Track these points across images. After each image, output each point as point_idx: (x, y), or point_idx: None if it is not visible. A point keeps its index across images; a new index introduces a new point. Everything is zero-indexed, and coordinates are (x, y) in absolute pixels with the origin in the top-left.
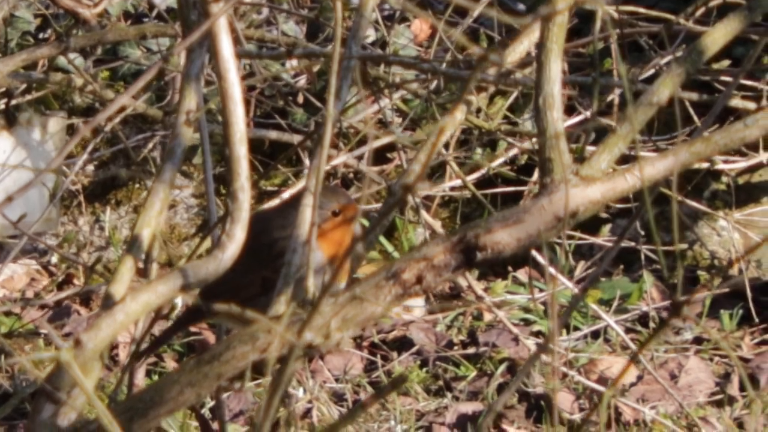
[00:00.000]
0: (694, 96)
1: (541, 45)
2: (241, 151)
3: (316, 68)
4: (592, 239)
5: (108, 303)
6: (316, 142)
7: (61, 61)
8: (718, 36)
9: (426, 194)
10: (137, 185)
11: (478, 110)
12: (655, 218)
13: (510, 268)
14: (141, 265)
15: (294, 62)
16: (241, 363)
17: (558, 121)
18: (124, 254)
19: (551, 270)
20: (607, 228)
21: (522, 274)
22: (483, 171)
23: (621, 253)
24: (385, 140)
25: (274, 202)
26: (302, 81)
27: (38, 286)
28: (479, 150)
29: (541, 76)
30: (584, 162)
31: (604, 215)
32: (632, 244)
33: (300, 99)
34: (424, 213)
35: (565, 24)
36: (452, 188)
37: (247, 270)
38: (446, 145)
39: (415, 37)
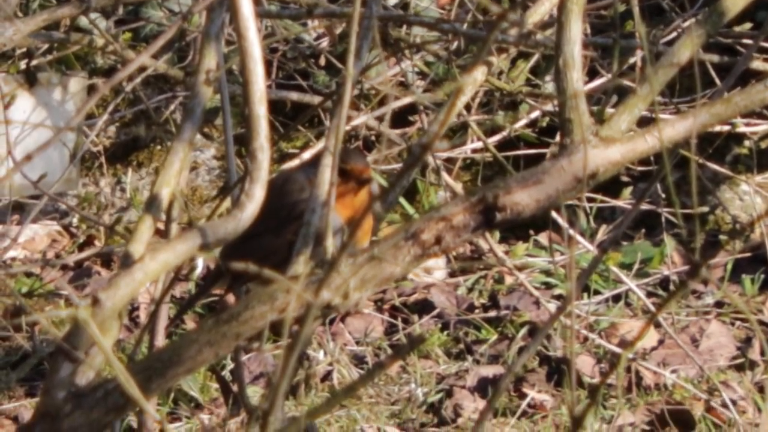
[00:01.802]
0: (715, 58)
1: (561, 6)
2: (260, 110)
3: (338, 30)
4: (613, 202)
5: (127, 262)
6: (335, 102)
7: (83, 21)
8: None
9: (447, 156)
10: (158, 146)
11: (500, 72)
12: (677, 182)
13: (531, 232)
14: (161, 224)
15: (315, 23)
16: (260, 323)
17: (578, 81)
18: (143, 213)
19: (571, 232)
20: (628, 191)
21: (543, 238)
22: (504, 133)
23: (643, 217)
24: (405, 101)
25: (294, 163)
26: (324, 43)
27: (59, 247)
28: (501, 112)
29: (562, 37)
30: (604, 123)
31: (625, 178)
32: (653, 207)
33: (322, 61)
34: (444, 175)
35: None
36: (473, 150)
37: (269, 232)
38: (468, 107)
39: (440, 1)
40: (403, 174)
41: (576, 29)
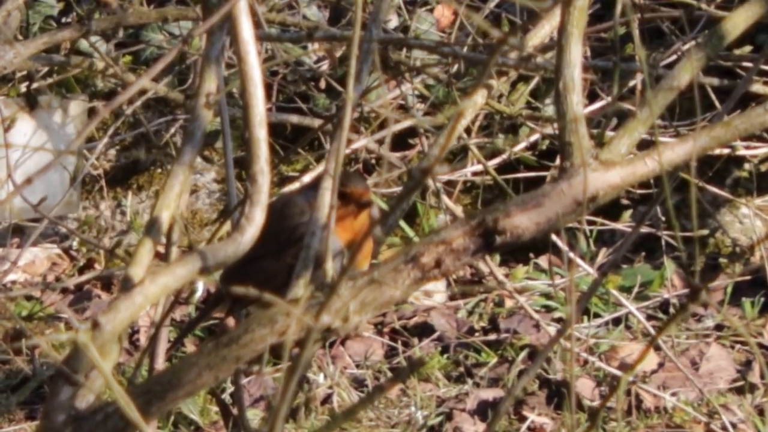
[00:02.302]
0: (715, 81)
1: (561, 29)
2: (260, 134)
3: (338, 53)
4: (613, 225)
5: (127, 285)
6: (335, 125)
7: (84, 44)
8: (738, 21)
9: (447, 179)
10: (159, 170)
11: (500, 95)
12: (677, 205)
13: (531, 255)
14: (161, 248)
15: (316, 46)
16: (260, 346)
17: (578, 105)
18: (143, 237)
19: (571, 255)
20: (628, 214)
21: (543, 261)
22: (504, 156)
23: (643, 240)
24: (406, 124)
25: (294, 187)
26: (324, 66)
27: (59, 270)
28: (501, 135)
29: (562, 60)
30: (604, 146)
31: (625, 201)
32: (653, 230)
33: (322, 84)
34: (444, 198)
35: (585, 8)
36: (474, 173)
37: (270, 256)
38: (468, 130)
39: (438, 22)
40: (404, 197)
41: (576, 52)
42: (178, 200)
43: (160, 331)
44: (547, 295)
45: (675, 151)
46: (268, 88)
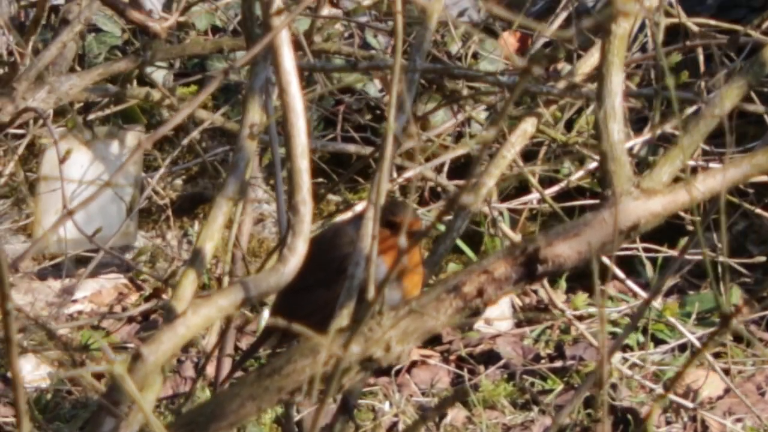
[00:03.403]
0: (761, 108)
1: (602, 58)
2: (302, 164)
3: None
4: (668, 252)
5: (169, 316)
6: (378, 155)
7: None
8: None
9: (515, 207)
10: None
11: (556, 122)
12: (743, 231)
13: (598, 281)
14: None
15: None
16: (302, 377)
17: (619, 133)
18: (186, 268)
19: (631, 284)
20: (683, 241)
21: (610, 288)
22: (563, 184)
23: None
24: (459, 152)
25: (347, 216)
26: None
27: (126, 300)
28: (567, 163)
29: (603, 88)
30: (645, 174)
31: (690, 227)
32: (715, 256)
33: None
34: (502, 225)
35: (625, 37)
36: (538, 201)
37: (320, 285)
38: (531, 157)
39: (503, 49)
40: (451, 228)
41: (617, 81)
42: (221, 231)
43: (209, 361)
44: (613, 323)
45: (717, 178)
46: (332, 117)
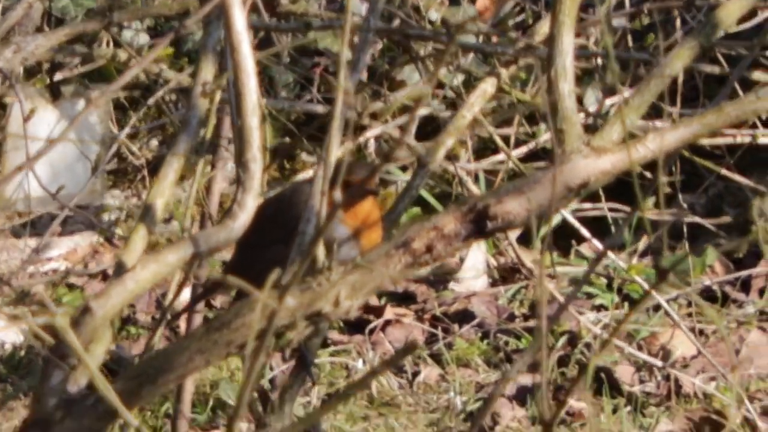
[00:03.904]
0: (716, 69)
1: (554, 18)
2: (252, 121)
3: (379, 46)
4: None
5: (119, 271)
6: (329, 116)
7: (125, 35)
8: (733, 9)
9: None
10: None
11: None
12: (720, 193)
13: (573, 242)
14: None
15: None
16: (250, 331)
17: (570, 93)
18: (136, 224)
19: (597, 243)
20: (650, 202)
21: (585, 249)
22: (531, 145)
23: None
24: (422, 112)
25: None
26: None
27: (102, 259)
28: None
29: (554, 48)
30: (596, 133)
31: (667, 189)
32: (696, 218)
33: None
34: (469, 185)
35: None
36: (501, 162)
37: (277, 243)
38: (507, 121)
39: (480, 14)
40: (410, 186)
41: (568, 41)
42: (172, 188)
43: (166, 315)
44: (590, 283)
45: (666, 138)
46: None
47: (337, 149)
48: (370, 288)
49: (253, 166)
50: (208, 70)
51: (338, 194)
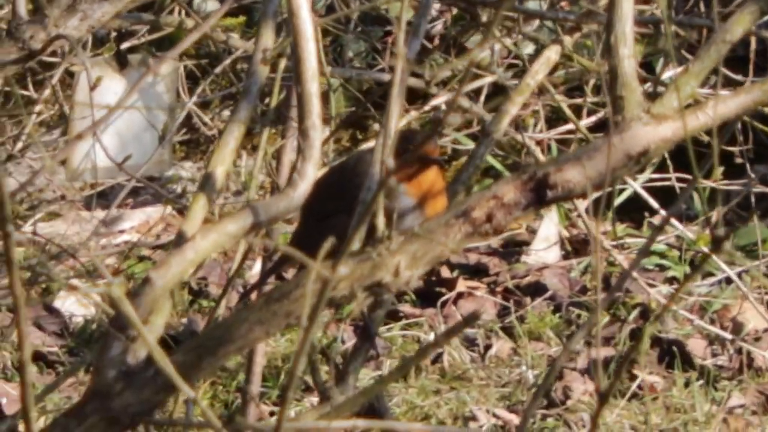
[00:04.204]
0: None
1: None
2: (312, 88)
3: (450, 14)
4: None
5: (180, 241)
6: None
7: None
8: None
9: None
10: (273, 131)
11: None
12: None
13: (646, 214)
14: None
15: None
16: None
17: (629, 58)
18: (196, 192)
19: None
20: (720, 171)
21: (657, 220)
22: (600, 114)
23: (759, 199)
24: (487, 80)
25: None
26: (439, 26)
27: (174, 230)
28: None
29: (613, 14)
30: (656, 100)
31: (739, 160)
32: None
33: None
34: (537, 153)
35: None
36: (570, 132)
37: (342, 212)
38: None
39: None
40: (474, 155)
41: (628, 6)
42: (232, 156)
43: (230, 286)
44: (661, 254)
45: (727, 104)
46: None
47: (398, 117)
48: (430, 258)
49: (313, 133)
50: (268, 36)
51: (390, 161)
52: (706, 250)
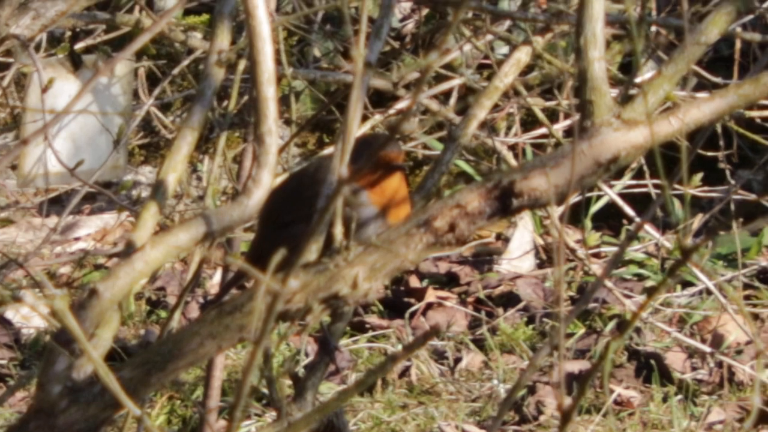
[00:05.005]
0: (757, 37)
1: None
2: (269, 92)
3: (424, 12)
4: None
5: (129, 251)
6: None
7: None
8: None
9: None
10: (236, 134)
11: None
12: None
13: (625, 222)
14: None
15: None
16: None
17: (599, 61)
18: (147, 200)
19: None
20: (698, 178)
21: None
22: (575, 119)
23: (741, 206)
24: (456, 82)
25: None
26: (410, 24)
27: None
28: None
29: (583, 14)
30: (626, 104)
31: (722, 165)
32: (752, 196)
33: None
34: (510, 159)
35: None
36: (542, 136)
37: (302, 221)
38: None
39: None
40: (440, 161)
41: (599, 7)
42: (186, 162)
43: (183, 298)
44: (639, 263)
45: (702, 109)
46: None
47: (358, 122)
48: (390, 269)
49: (268, 139)
50: (223, 37)
51: (345, 169)
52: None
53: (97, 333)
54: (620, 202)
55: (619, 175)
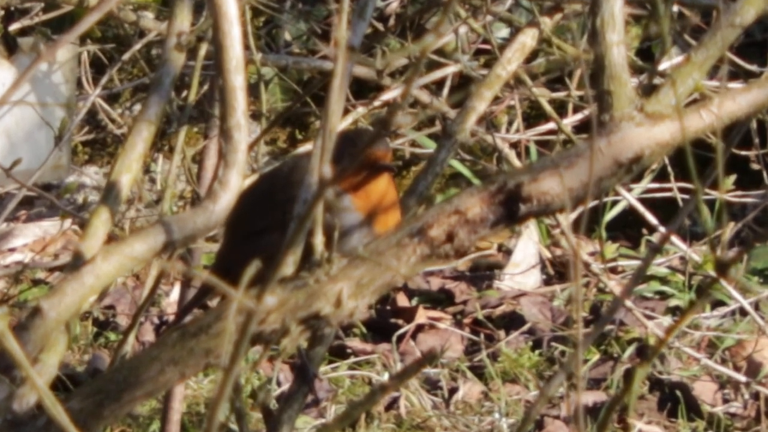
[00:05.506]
0: None
1: None
2: (236, 80)
3: None
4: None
5: (77, 263)
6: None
7: None
8: None
9: (535, 138)
10: (195, 129)
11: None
12: None
13: (645, 231)
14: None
15: None
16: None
17: (619, 45)
18: (98, 205)
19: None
20: (731, 181)
21: (656, 238)
22: (587, 112)
23: None
24: (451, 70)
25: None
26: (395, 4)
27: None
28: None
29: None
30: (650, 96)
31: (756, 166)
32: None
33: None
34: (511, 157)
35: None
36: (550, 131)
37: (276, 228)
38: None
39: None
40: (434, 161)
41: None
42: (141, 161)
43: (138, 318)
44: (662, 279)
45: (737, 101)
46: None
47: (340, 115)
48: (379, 285)
49: (237, 135)
50: (183, 18)
51: (329, 169)
52: (713, 274)
53: (42, 358)
54: (641, 208)
55: (638, 177)
